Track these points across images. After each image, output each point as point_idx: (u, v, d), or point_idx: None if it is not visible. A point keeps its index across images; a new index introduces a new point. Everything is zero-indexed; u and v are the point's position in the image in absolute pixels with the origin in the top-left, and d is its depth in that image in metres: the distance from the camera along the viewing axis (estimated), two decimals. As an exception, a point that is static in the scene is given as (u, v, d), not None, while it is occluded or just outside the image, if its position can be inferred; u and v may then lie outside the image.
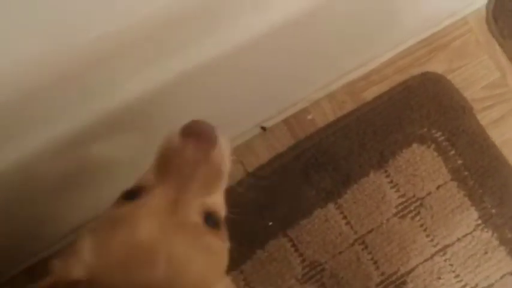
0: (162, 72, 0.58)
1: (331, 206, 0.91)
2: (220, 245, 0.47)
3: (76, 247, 0.42)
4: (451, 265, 0.91)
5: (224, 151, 0.49)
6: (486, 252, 0.92)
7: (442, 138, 0.96)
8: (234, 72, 0.70)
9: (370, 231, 0.91)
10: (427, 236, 0.92)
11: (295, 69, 0.85)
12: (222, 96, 0.76)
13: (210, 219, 0.47)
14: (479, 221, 0.93)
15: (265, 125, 0.93)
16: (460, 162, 0.95)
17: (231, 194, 0.88)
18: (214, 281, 0.44)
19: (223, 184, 0.49)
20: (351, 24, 0.81)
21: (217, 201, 0.49)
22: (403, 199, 0.93)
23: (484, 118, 0.99)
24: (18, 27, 0.41)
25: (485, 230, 0.93)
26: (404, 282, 0.90)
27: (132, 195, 0.45)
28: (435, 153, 0.95)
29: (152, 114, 0.67)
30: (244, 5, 0.57)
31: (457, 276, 0.91)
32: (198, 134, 0.47)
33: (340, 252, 0.89)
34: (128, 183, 0.51)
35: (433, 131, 0.96)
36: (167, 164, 0.46)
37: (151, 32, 0.51)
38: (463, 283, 0.91)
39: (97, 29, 0.46)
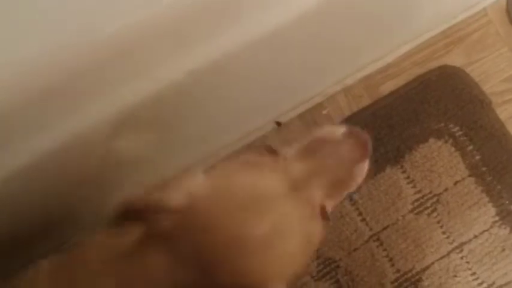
0: (177, 71, 0.57)
1: (346, 202, 0.90)
2: (318, 238, 0.48)
3: (186, 178, 0.43)
4: (468, 262, 0.90)
5: (365, 170, 0.50)
6: (504, 250, 0.91)
7: (460, 133, 0.94)
8: (248, 68, 0.69)
9: (385, 228, 0.90)
10: (444, 232, 0.91)
11: (311, 63, 0.84)
12: (237, 92, 0.75)
13: (322, 213, 0.47)
14: (497, 218, 0.92)
15: (280, 120, 0.92)
16: (478, 157, 0.94)
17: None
18: (294, 269, 0.45)
19: (342, 198, 0.49)
20: (367, 17, 0.79)
21: (331, 206, 0.49)
22: (420, 195, 0.92)
23: (504, 112, 0.97)
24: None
25: (503, 226, 0.92)
26: (419, 280, 0.89)
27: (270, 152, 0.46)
28: (452, 149, 0.94)
29: (168, 113, 0.67)
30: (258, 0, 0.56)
31: (474, 274, 0.90)
32: (361, 141, 0.49)
33: (355, 249, 0.89)
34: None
35: (451, 126, 0.94)
36: (317, 148, 0.47)
37: (163, 29, 0.50)
38: (479, 281, 0.90)
39: (114, 24, 0.45)
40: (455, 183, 0.92)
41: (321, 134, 0.50)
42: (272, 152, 0.47)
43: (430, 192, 0.92)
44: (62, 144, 0.57)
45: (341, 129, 0.50)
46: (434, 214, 0.91)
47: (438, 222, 0.91)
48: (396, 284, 0.88)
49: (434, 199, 0.91)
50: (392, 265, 0.89)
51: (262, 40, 0.60)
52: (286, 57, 0.75)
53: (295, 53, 0.75)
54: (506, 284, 0.90)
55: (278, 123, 0.92)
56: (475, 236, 0.91)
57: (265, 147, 0.48)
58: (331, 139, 0.49)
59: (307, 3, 0.60)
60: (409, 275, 0.89)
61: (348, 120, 0.92)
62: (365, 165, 0.50)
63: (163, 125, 0.71)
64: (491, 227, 0.91)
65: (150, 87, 0.58)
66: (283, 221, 0.43)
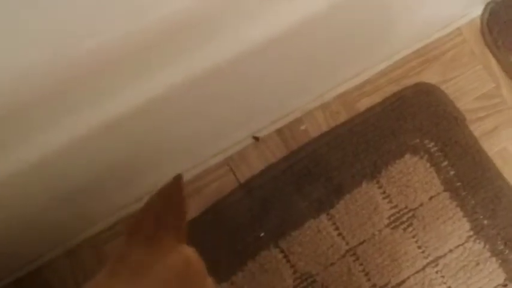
0: (157, 85, 0.58)
1: (323, 217, 0.91)
2: None
3: None
4: (443, 277, 0.91)
5: None
6: (478, 264, 0.92)
7: (435, 148, 0.96)
8: (226, 84, 0.70)
9: (361, 243, 0.91)
10: (419, 247, 0.92)
11: (289, 79, 0.85)
12: (214, 106, 0.76)
13: None
14: (471, 232, 0.93)
15: (258, 135, 0.93)
16: (452, 173, 0.95)
17: (223, 205, 0.89)
18: None
19: None
20: (345, 35, 0.81)
21: None
22: (396, 210, 0.93)
23: (477, 129, 0.99)
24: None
25: (477, 241, 0.93)
26: (395, 294, 0.90)
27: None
28: (428, 164, 0.95)
29: (147, 127, 0.67)
30: (238, 16, 0.57)
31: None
32: None
33: (331, 264, 0.89)
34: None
35: (426, 142, 0.96)
36: None
37: (143, 44, 0.51)
38: (454, 294, 0.91)
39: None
40: (431, 198, 0.94)
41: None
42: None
43: (406, 207, 0.93)
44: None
45: None
46: (410, 229, 0.92)
47: (414, 236, 0.92)
48: (372, 298, 0.89)
49: (410, 214, 0.93)
50: (369, 279, 0.90)
51: (242, 57, 0.61)
52: (264, 73, 0.76)
53: (274, 69, 0.77)
54: (480, 298, 0.92)
55: (256, 138, 0.93)
56: (450, 250, 0.92)
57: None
58: None
59: (286, 21, 0.62)
60: (386, 289, 0.90)
61: (326, 136, 0.94)
62: None
63: (141, 139, 0.72)
64: (465, 241, 0.93)
65: (130, 102, 0.58)
66: None
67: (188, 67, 0.58)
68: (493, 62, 1.03)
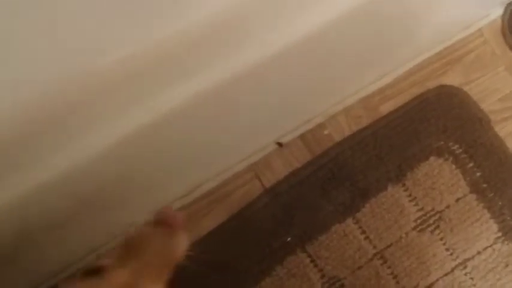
0: (182, 92, 0.58)
1: (349, 221, 0.91)
2: None
3: None
4: (472, 279, 0.90)
5: (184, 240, 0.51)
6: (507, 265, 0.91)
7: (460, 150, 0.96)
8: (250, 90, 0.70)
9: (389, 246, 0.91)
10: (447, 249, 0.92)
11: (312, 84, 0.85)
12: (239, 113, 0.77)
13: None
14: (499, 234, 0.92)
15: (281, 140, 0.94)
16: (478, 174, 0.95)
17: (249, 211, 0.90)
18: None
19: (168, 275, 0.50)
20: (366, 39, 0.81)
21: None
22: (422, 213, 0.92)
23: (502, 130, 0.99)
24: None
25: (506, 242, 0.92)
26: (425, 297, 0.89)
27: (93, 274, 0.46)
28: (453, 166, 0.95)
29: (173, 135, 0.68)
30: (260, 22, 0.57)
31: (478, 290, 0.90)
32: (168, 224, 0.50)
33: (359, 267, 0.89)
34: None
35: (451, 144, 0.96)
36: (131, 249, 0.48)
37: (162, 57, 0.51)
38: (484, 297, 0.90)
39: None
40: (457, 200, 0.93)
41: (132, 234, 0.50)
42: (90, 272, 0.46)
43: (432, 210, 0.92)
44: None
45: (146, 222, 0.50)
46: (437, 231, 0.92)
47: (441, 239, 0.92)
48: (401, 301, 0.89)
49: (437, 216, 0.92)
50: (397, 283, 0.90)
51: (265, 63, 0.62)
52: (287, 80, 0.77)
53: (297, 76, 0.77)
54: (511, 300, 0.91)
55: (279, 144, 0.94)
56: (479, 252, 0.92)
57: (82, 272, 0.48)
58: (142, 234, 0.49)
59: (307, 27, 0.62)
60: (414, 292, 0.90)
61: (349, 140, 0.94)
62: (182, 237, 0.51)
63: (164, 148, 0.73)
64: (494, 243, 0.92)
65: (151, 114, 0.59)
66: None
67: (209, 78, 0.59)
68: (515, 63, 1.02)
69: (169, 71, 0.55)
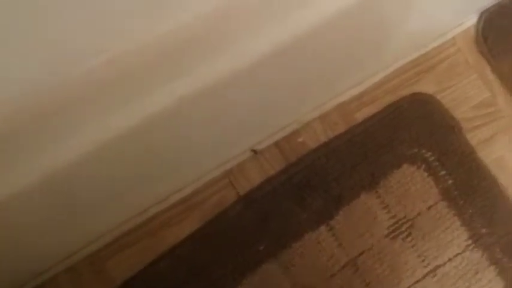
0: (166, 96, 0.58)
1: (322, 229, 0.91)
2: None
3: None
4: (442, 286, 0.92)
5: None
6: (477, 273, 0.93)
7: (432, 158, 0.97)
8: (225, 98, 0.70)
9: (361, 253, 0.91)
10: (418, 256, 0.93)
11: (286, 92, 0.85)
12: (214, 120, 0.77)
13: None
14: (470, 241, 0.94)
15: (256, 148, 0.94)
16: (450, 182, 0.96)
17: (222, 218, 0.90)
18: None
19: None
20: (342, 48, 0.82)
21: None
22: (394, 220, 0.93)
23: (474, 138, 1.00)
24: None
25: (476, 250, 0.94)
26: (395, 304, 0.90)
27: None
28: (425, 174, 0.96)
29: (148, 142, 0.68)
30: (235, 34, 0.58)
31: (449, 296, 0.92)
32: None
33: (332, 275, 0.90)
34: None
35: (423, 151, 0.97)
36: None
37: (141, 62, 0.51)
38: (454, 303, 0.92)
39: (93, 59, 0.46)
40: (429, 207, 0.94)
41: None
42: None
43: (405, 217, 0.94)
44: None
45: None
46: (409, 238, 0.93)
47: (413, 246, 0.93)
48: (373, 309, 0.90)
49: (409, 224, 0.93)
50: (369, 290, 0.91)
51: (241, 70, 0.62)
52: (263, 86, 0.77)
53: (271, 84, 0.77)
54: (480, 307, 0.92)
55: (254, 151, 0.93)
56: (449, 259, 0.93)
57: None
58: None
59: (284, 35, 0.62)
60: (386, 299, 0.91)
61: (324, 147, 0.94)
62: None
63: (140, 154, 0.72)
64: (464, 250, 0.93)
65: (127, 120, 0.59)
66: None
67: (186, 85, 0.59)
68: (488, 70, 1.04)
69: (138, 82, 0.54)
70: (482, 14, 1.06)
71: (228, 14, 0.53)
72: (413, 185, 0.95)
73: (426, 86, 1.02)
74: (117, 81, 0.52)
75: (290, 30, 0.62)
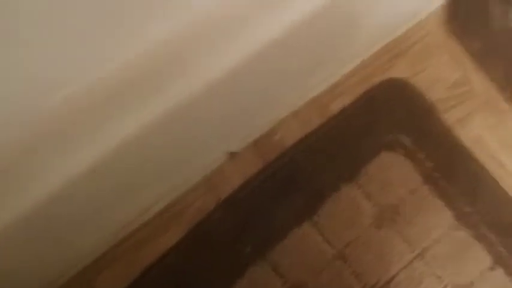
0: (139, 113, 0.59)
1: (306, 225, 0.92)
2: None
3: None
4: (431, 268, 0.92)
5: None
6: (464, 251, 0.94)
7: (410, 142, 0.97)
8: (200, 105, 0.70)
9: (348, 245, 0.92)
10: (405, 241, 0.93)
11: (259, 93, 0.85)
12: (189, 127, 0.76)
13: None
14: (455, 221, 0.94)
15: (233, 150, 0.94)
16: (430, 164, 0.96)
17: (205, 225, 0.90)
18: None
19: None
20: (311, 42, 0.81)
21: None
22: (378, 208, 0.94)
23: (450, 118, 1.00)
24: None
25: (462, 228, 0.94)
26: (387, 291, 0.91)
27: None
28: (404, 158, 0.96)
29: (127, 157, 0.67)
30: (211, 40, 0.58)
31: (439, 277, 0.93)
32: None
33: (321, 270, 0.90)
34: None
35: (400, 137, 0.97)
36: None
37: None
38: (444, 283, 0.92)
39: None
40: (411, 192, 0.95)
41: None
42: None
43: (387, 204, 0.94)
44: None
45: None
46: (394, 225, 0.93)
47: (399, 232, 0.93)
48: (364, 298, 0.90)
49: (393, 210, 0.94)
50: (360, 281, 0.91)
51: (216, 77, 0.63)
52: (235, 92, 0.76)
53: (244, 88, 0.77)
54: (470, 284, 0.93)
55: (232, 154, 0.93)
56: (436, 241, 0.93)
57: None
58: None
59: (253, 42, 0.63)
60: (377, 287, 0.91)
61: (300, 144, 0.94)
62: None
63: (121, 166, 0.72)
64: (449, 229, 0.94)
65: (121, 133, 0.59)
66: None
67: (161, 100, 0.60)
68: (459, 50, 1.04)
69: (115, 102, 0.55)
70: (449, -7, 1.06)
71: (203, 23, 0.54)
72: (393, 171, 0.95)
73: (400, 71, 1.02)
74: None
75: (260, 35, 0.63)
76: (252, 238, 0.90)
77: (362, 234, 0.92)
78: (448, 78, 1.03)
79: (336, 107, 0.98)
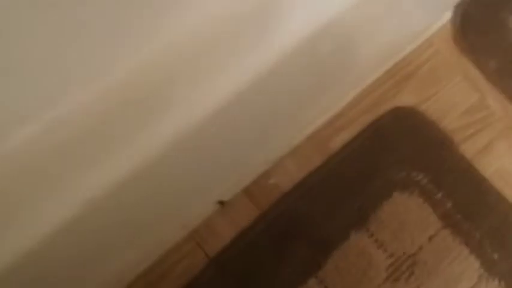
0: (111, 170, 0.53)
1: (312, 282, 0.80)
2: None
3: None
4: (459, 327, 0.80)
5: None
6: (495, 305, 0.81)
7: (425, 180, 0.86)
8: (184, 152, 0.62)
9: (360, 305, 0.80)
10: (427, 296, 0.81)
11: (251, 134, 0.76)
12: (173, 175, 0.68)
13: None
14: (482, 270, 0.82)
15: (222, 199, 0.83)
16: (449, 205, 0.85)
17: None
18: None
19: None
20: (308, 76, 0.73)
21: None
22: (393, 259, 0.82)
23: (468, 149, 0.89)
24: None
25: (490, 279, 0.82)
26: None
27: None
28: (420, 199, 0.85)
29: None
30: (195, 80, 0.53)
31: (468, 338, 0.80)
32: None
33: (330, 337, 0.78)
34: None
35: (414, 174, 0.86)
36: None
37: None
38: None
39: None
40: (430, 238, 0.84)
41: None
42: None
43: (404, 254, 0.83)
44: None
45: None
46: (413, 278, 0.82)
47: (418, 286, 0.81)
48: None
49: (410, 261, 0.83)
50: None
51: (205, 115, 0.56)
52: (221, 127, 0.67)
53: (233, 127, 0.69)
54: None
55: (221, 203, 0.82)
56: (463, 295, 0.81)
57: None
58: None
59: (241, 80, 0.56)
60: None
61: (299, 188, 0.83)
62: None
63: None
64: (477, 282, 0.82)
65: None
66: None
67: (144, 145, 0.54)
68: (472, 70, 0.94)
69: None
70: (457, 7, 0.96)
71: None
72: (408, 215, 0.84)
73: (407, 98, 0.92)
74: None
75: (251, 69, 0.57)
76: (247, 303, 0.78)
77: (376, 291, 0.80)
78: (462, 102, 0.92)
79: (338, 142, 0.89)
